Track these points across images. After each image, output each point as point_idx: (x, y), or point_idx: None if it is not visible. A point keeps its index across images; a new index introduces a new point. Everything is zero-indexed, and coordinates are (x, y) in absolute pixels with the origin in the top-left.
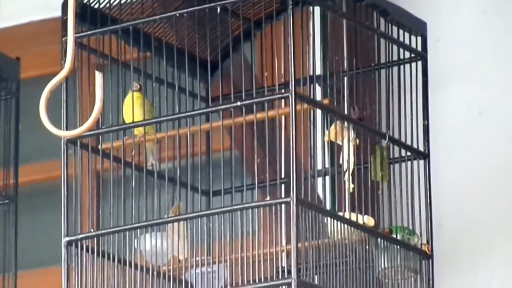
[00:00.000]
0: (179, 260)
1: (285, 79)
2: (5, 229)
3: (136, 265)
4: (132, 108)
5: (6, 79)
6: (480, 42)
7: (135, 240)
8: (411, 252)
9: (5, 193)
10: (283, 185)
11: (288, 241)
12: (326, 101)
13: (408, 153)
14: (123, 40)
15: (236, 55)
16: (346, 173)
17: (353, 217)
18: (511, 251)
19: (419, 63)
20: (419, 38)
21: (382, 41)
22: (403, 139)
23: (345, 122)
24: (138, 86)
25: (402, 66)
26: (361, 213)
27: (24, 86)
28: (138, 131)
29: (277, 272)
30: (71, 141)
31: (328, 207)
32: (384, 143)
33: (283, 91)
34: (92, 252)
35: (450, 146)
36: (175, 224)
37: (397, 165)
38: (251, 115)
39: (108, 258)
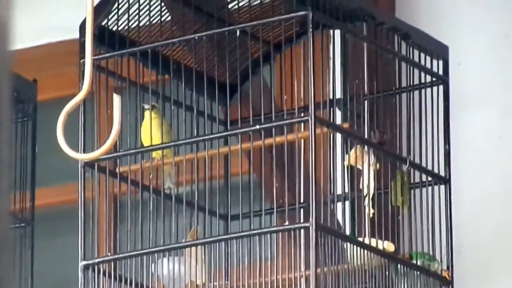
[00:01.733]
0: (196, 285)
1: (305, 102)
2: (21, 252)
3: None
4: (151, 130)
5: (23, 101)
6: (501, 65)
7: (152, 265)
8: (431, 278)
9: (21, 216)
10: (302, 210)
11: (307, 267)
12: (346, 125)
13: (429, 178)
14: (142, 62)
15: (255, 78)
16: (366, 198)
17: (373, 242)
18: None
19: (441, 87)
20: (440, 62)
21: (403, 64)
22: (424, 164)
23: (366, 147)
24: (150, 105)
25: (423, 90)
26: (381, 238)
27: (41, 108)
28: (156, 154)
29: None
30: (89, 164)
31: (347, 232)
32: (404, 167)
33: (302, 114)
34: (109, 276)
35: (471, 170)
36: (193, 248)
37: (417, 190)
38: (270, 139)
39: (125, 282)
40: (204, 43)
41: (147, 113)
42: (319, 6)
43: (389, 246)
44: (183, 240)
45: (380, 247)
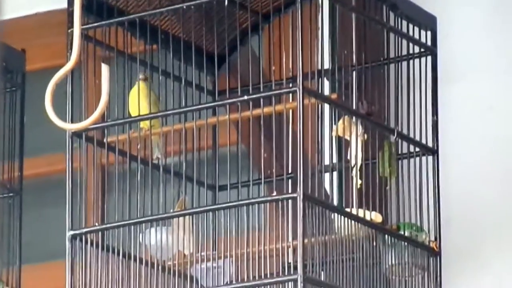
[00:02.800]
0: (184, 255)
1: (293, 73)
2: (9, 222)
3: (141, 260)
4: (138, 100)
5: (11, 71)
6: (489, 36)
7: (140, 235)
8: (419, 249)
9: (9, 186)
10: (290, 180)
11: (295, 237)
12: (334, 96)
13: (417, 149)
14: (130, 32)
15: (244, 49)
16: (354, 169)
17: (361, 213)
18: None
19: (429, 58)
20: (428, 33)
21: (392, 35)
22: (411, 135)
23: (353, 117)
24: (144, 76)
25: (411, 61)
26: (368, 209)
27: (29, 78)
28: (144, 124)
29: (283, 268)
30: (77, 134)
31: (335, 203)
32: (392, 138)
33: (290, 85)
34: (97, 246)
35: (459, 141)
36: (181, 218)
37: (405, 161)
38: (258, 109)
39: (113, 252)
40: (192, 12)
41: (137, 84)
42: None
43: (376, 217)
44: (171, 210)
45: (368, 217)
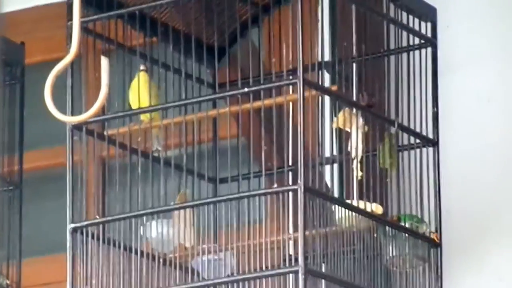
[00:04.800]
0: (185, 248)
1: (293, 65)
2: (9, 215)
3: (142, 253)
4: (139, 93)
5: (11, 64)
6: (489, 28)
7: (141, 227)
8: (420, 240)
9: (9, 180)
10: (290, 173)
11: (295, 229)
12: (334, 88)
13: (417, 141)
14: (129, 25)
15: (244, 41)
16: (355, 161)
17: (361, 205)
18: None
19: (429, 49)
20: (428, 24)
21: (392, 27)
22: (412, 126)
23: (354, 109)
24: (145, 67)
25: (411, 52)
26: (369, 201)
27: (29, 71)
28: (145, 116)
29: (284, 260)
30: (77, 127)
31: (336, 194)
32: (393, 130)
33: (291, 77)
34: (98, 239)
35: (459, 133)
36: (182, 211)
37: (406, 153)
38: (259, 102)
39: (114, 245)
40: (192, 5)
41: (136, 76)
42: None
43: (377, 209)
44: (172, 203)
45: (369, 209)
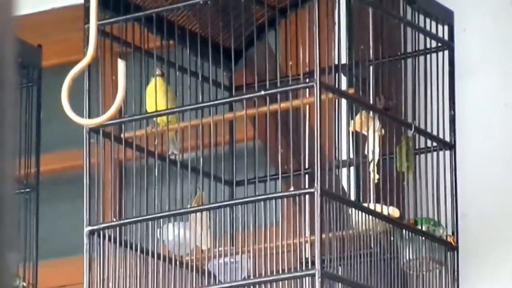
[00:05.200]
0: (201, 251)
1: (310, 68)
2: (26, 218)
3: (158, 255)
4: (155, 96)
5: (28, 66)
6: (506, 31)
7: (158, 230)
8: (436, 244)
9: (26, 182)
10: (307, 176)
11: (312, 232)
12: (351, 91)
13: (434, 144)
14: (146, 28)
15: (260, 44)
16: (371, 164)
17: (378, 208)
18: None
19: (446, 52)
20: (445, 27)
21: (409, 30)
22: (429, 130)
23: (371, 112)
24: (161, 72)
25: (428, 56)
26: (386, 204)
27: (45, 74)
28: (161, 120)
29: (301, 263)
30: (94, 130)
31: (352, 198)
32: (410, 133)
33: (307, 80)
34: (114, 242)
35: (476, 136)
36: (198, 214)
37: (422, 156)
38: (275, 105)
39: (131, 248)
40: (208, 8)
41: (153, 79)
42: None
43: (394, 212)
44: (188, 206)
45: (385, 212)
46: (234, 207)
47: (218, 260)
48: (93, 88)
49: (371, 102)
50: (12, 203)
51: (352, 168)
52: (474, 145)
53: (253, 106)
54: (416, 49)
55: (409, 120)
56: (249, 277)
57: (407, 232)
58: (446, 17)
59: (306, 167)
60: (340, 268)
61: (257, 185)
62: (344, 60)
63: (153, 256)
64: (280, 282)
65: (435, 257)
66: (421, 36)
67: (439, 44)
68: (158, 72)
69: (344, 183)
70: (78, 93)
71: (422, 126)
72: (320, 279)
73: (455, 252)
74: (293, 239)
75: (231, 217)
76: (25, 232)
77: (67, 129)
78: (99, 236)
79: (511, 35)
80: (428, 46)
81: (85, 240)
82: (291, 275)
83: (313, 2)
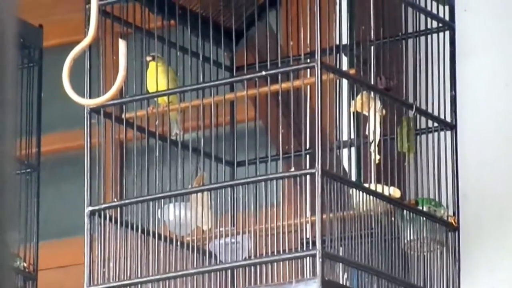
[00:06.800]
0: (202, 231)
1: (311, 48)
2: (27, 198)
3: (159, 236)
4: (156, 77)
5: (29, 47)
6: (508, 11)
7: (159, 210)
8: (437, 224)
9: (27, 162)
10: (308, 156)
11: (313, 213)
12: (352, 71)
13: (435, 124)
14: (147, 8)
15: (261, 24)
16: (372, 144)
17: (379, 188)
18: None
19: (447, 33)
20: (446, 8)
21: (410, 10)
22: (430, 110)
23: (372, 93)
24: (150, 58)
25: (429, 36)
26: (387, 184)
27: (46, 54)
28: (162, 100)
29: (302, 243)
30: (95, 110)
31: (353, 178)
32: (411, 113)
33: (308, 60)
34: (115, 222)
35: (477, 117)
36: (199, 194)
37: (423, 136)
38: (276, 85)
39: (131, 228)
40: None
41: (151, 63)
42: None
43: (395, 192)
44: (189, 186)
45: (386, 193)
46: (235, 187)
47: (219, 240)
48: (94, 69)
49: (372, 82)
50: (13, 184)
51: (353, 149)
52: (475, 126)
53: (254, 87)
54: (417, 29)
55: (410, 100)
56: (250, 257)
57: (408, 212)
58: None
59: (307, 147)
60: (341, 248)
61: (258, 165)
62: (345, 40)
63: (154, 236)
64: (281, 262)
65: (436, 238)
66: (422, 17)
67: (440, 25)
68: (149, 58)
69: (345, 163)
70: (79, 73)
71: (423, 107)
72: (321, 260)
73: (456, 233)
74: (294, 220)
75: (232, 198)
76: (26, 212)
77: (68, 110)
78: (100, 216)
79: None
80: (429, 26)
81: (86, 221)
82: (292, 255)
83: None
